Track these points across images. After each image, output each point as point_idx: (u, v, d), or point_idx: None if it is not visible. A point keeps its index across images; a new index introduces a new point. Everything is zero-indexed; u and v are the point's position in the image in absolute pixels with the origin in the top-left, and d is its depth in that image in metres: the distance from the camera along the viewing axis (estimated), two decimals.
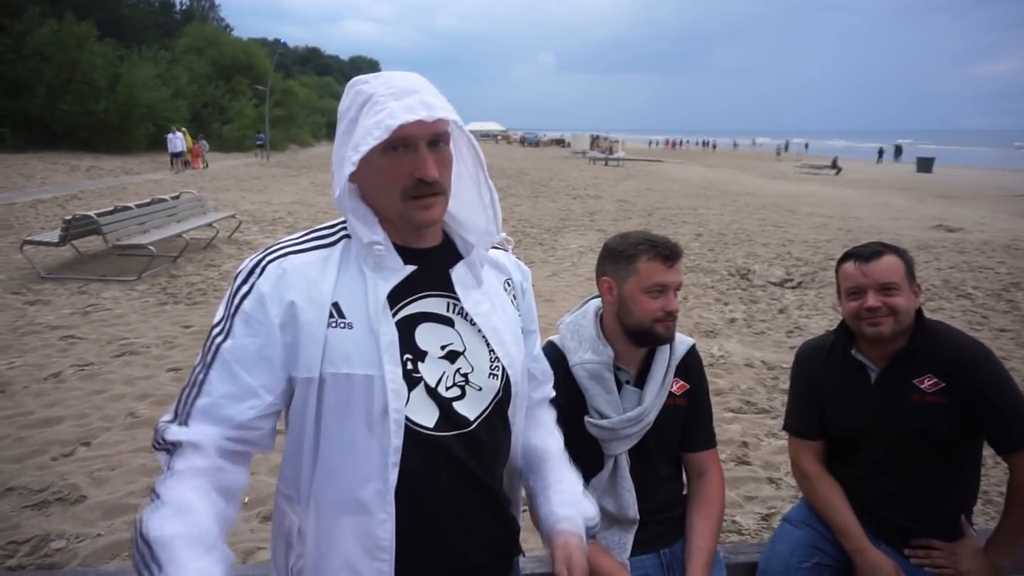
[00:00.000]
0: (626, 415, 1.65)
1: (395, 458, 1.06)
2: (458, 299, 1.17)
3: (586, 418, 1.66)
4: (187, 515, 0.98)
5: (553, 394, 1.45)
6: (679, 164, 40.06)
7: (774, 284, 8.38)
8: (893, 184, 27.59)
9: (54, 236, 8.12)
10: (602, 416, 1.66)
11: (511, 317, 1.26)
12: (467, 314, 1.18)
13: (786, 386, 4.98)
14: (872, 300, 1.71)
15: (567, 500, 1.26)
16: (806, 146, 72.19)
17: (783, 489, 3.62)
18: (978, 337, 1.86)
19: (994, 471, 3.52)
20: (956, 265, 9.77)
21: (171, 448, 1.05)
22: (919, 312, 1.78)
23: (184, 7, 63.81)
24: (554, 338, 1.77)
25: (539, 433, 1.37)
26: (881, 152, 50.17)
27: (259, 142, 41.47)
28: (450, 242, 1.24)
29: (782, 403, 4.79)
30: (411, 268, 1.13)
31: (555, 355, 1.69)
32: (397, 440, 1.06)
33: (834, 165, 35.34)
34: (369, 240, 1.11)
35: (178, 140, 25.24)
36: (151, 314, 6.52)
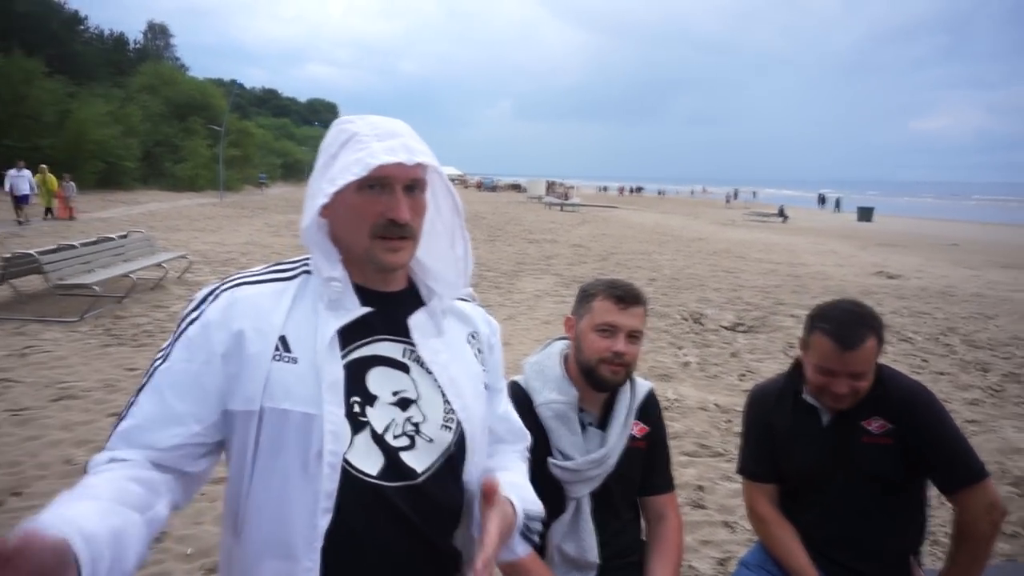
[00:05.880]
0: (590, 456, 1.66)
1: (327, 504, 1.01)
2: (415, 346, 1.13)
3: (549, 459, 1.66)
4: (83, 487, 0.91)
5: (527, 452, 1.39)
6: (633, 210, 40.96)
7: (726, 328, 8.55)
8: (837, 232, 28.69)
9: None
10: (566, 457, 1.66)
11: (472, 370, 1.21)
12: (423, 362, 1.13)
13: (740, 429, 5.07)
14: (842, 387, 1.68)
15: (512, 481, 1.20)
16: (754, 194, 74.68)
17: (739, 533, 3.64)
18: (919, 380, 1.93)
19: (940, 511, 3.61)
20: (897, 310, 10.16)
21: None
22: None
23: (138, 45, 63.32)
24: (518, 378, 1.77)
25: (498, 459, 1.30)
26: (823, 199, 52.72)
27: (262, 179, 43.25)
28: (415, 288, 1.21)
29: (736, 446, 4.81)
30: (366, 310, 1.10)
31: (519, 395, 1.70)
32: (331, 484, 1.01)
33: (781, 213, 36.62)
34: (328, 276, 1.09)
35: (23, 180, 18.31)
36: (93, 356, 6.26)
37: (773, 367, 6.74)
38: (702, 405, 5.62)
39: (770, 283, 12.51)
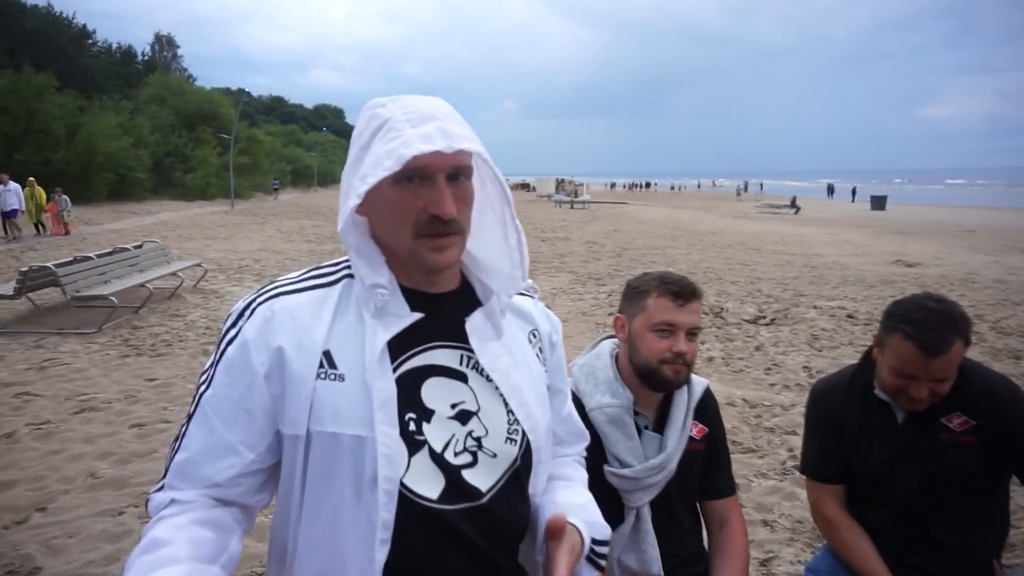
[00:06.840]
0: (649, 463, 1.55)
1: (384, 535, 0.92)
2: (473, 352, 1.03)
3: (606, 467, 1.56)
4: (159, 547, 0.88)
5: (584, 453, 1.30)
6: (643, 205, 40.75)
7: (748, 321, 8.42)
8: (850, 222, 28.39)
9: (8, 288, 7.78)
10: (623, 464, 1.56)
11: (535, 373, 1.11)
12: (483, 369, 1.03)
13: (770, 424, 4.96)
14: (921, 392, 1.56)
15: (576, 502, 1.10)
16: (761, 186, 74.27)
17: (778, 532, 3.53)
18: None
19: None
20: None
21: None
22: None
23: (146, 57, 63.84)
24: None
25: (557, 467, 1.20)
26: (832, 190, 52.46)
27: (275, 186, 45.64)
28: (469, 287, 1.10)
29: (768, 441, 4.73)
30: (417, 316, 0.99)
31: None
32: (388, 514, 0.92)
33: (793, 204, 36.30)
34: (372, 282, 0.97)
35: (11, 194, 17.31)
36: (112, 367, 6.23)
37: (799, 360, 6.61)
38: (729, 400, 5.51)
39: (787, 275, 12.35)
